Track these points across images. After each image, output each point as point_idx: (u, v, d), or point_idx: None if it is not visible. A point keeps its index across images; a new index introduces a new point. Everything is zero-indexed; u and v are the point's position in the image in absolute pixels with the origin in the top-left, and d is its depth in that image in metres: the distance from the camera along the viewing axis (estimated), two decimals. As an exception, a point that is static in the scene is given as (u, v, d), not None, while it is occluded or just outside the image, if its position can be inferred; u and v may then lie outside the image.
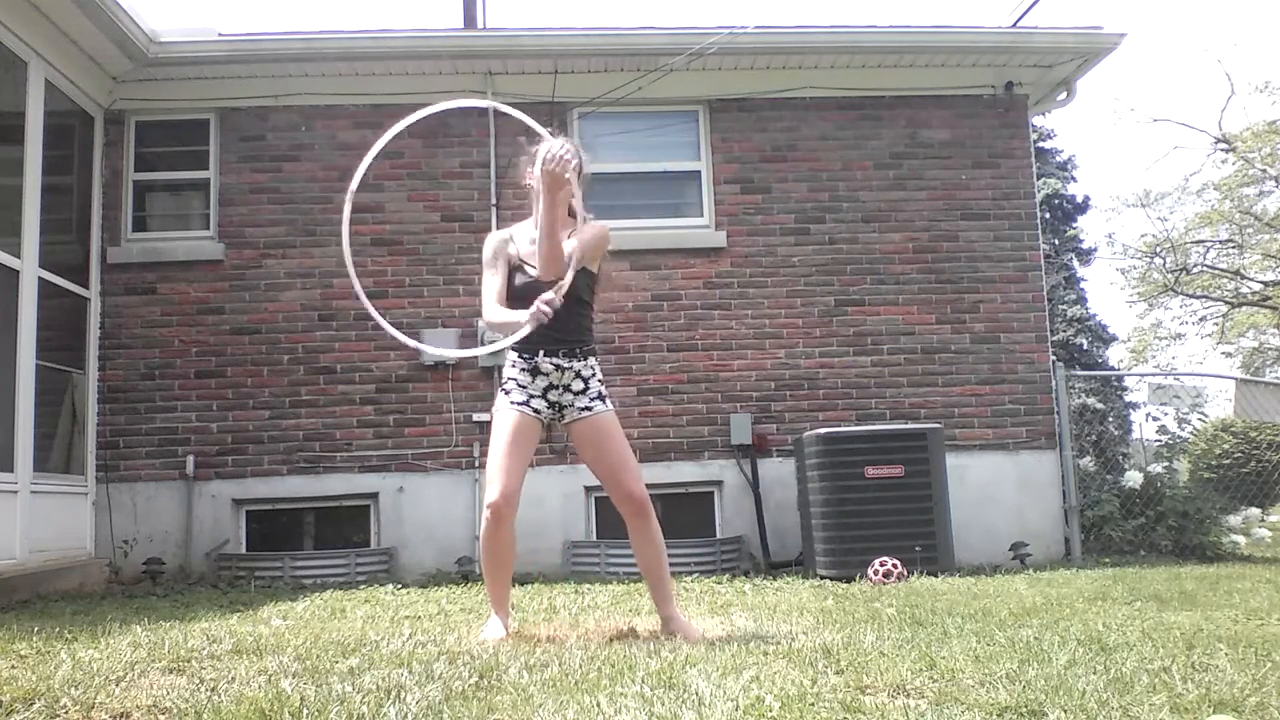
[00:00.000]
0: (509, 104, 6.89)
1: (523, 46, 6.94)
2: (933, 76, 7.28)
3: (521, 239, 3.53)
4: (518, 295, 3.42)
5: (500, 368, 6.81)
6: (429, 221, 7.02)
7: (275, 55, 6.81)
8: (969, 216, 7.26)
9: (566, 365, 3.40)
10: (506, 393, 3.45)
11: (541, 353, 3.38)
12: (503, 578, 3.48)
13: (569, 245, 3.30)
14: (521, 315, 3.25)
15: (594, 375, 3.46)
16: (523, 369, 3.42)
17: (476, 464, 6.76)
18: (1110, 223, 36.61)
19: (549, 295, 3.19)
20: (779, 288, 7.09)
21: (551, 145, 3.10)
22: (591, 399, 3.44)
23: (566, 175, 3.10)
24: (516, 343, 3.35)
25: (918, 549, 5.89)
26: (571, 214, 3.35)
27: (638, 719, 2.05)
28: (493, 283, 3.48)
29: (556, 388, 3.42)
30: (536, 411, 3.42)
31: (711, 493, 6.96)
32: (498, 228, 6.96)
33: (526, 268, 3.45)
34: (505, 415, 3.41)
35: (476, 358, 6.68)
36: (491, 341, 3.39)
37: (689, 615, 3.83)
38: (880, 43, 7.09)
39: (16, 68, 5.79)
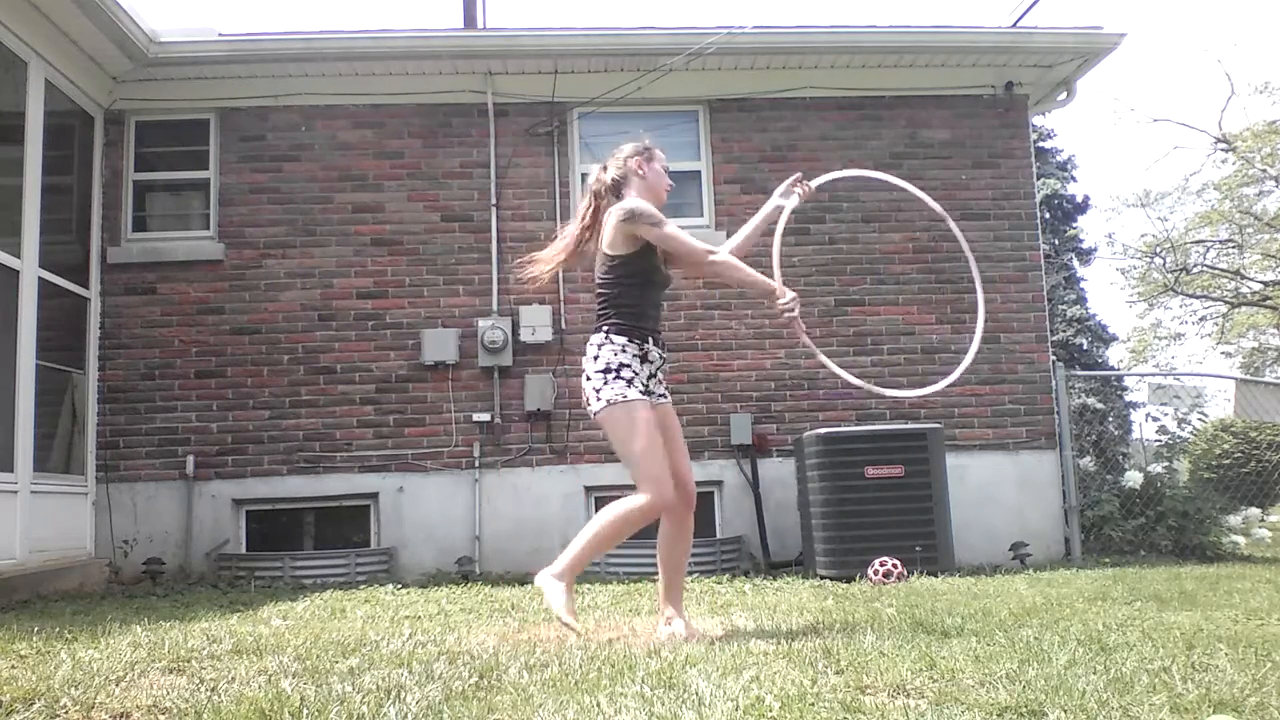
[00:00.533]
0: (509, 104, 7.02)
1: (523, 46, 6.94)
2: (933, 76, 7.28)
3: None
4: (664, 283, 3.50)
5: (500, 366, 6.87)
6: (429, 221, 7.02)
7: (275, 55, 6.82)
8: (969, 216, 7.25)
9: (664, 354, 3.48)
10: (627, 381, 3.30)
11: (650, 340, 3.40)
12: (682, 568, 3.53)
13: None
14: (782, 291, 3.50)
15: None
16: (634, 354, 3.36)
17: (477, 464, 6.76)
18: (1110, 223, 36.66)
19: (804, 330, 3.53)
20: (779, 287, 7.08)
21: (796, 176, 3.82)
22: (666, 387, 3.52)
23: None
24: (627, 327, 3.34)
25: (918, 549, 5.89)
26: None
27: (638, 719, 2.05)
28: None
29: (655, 376, 3.44)
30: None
31: (711, 493, 6.95)
32: (498, 228, 6.98)
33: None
34: (642, 406, 3.29)
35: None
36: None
37: (689, 615, 3.83)
38: (880, 43, 7.09)
39: (16, 68, 5.80)
